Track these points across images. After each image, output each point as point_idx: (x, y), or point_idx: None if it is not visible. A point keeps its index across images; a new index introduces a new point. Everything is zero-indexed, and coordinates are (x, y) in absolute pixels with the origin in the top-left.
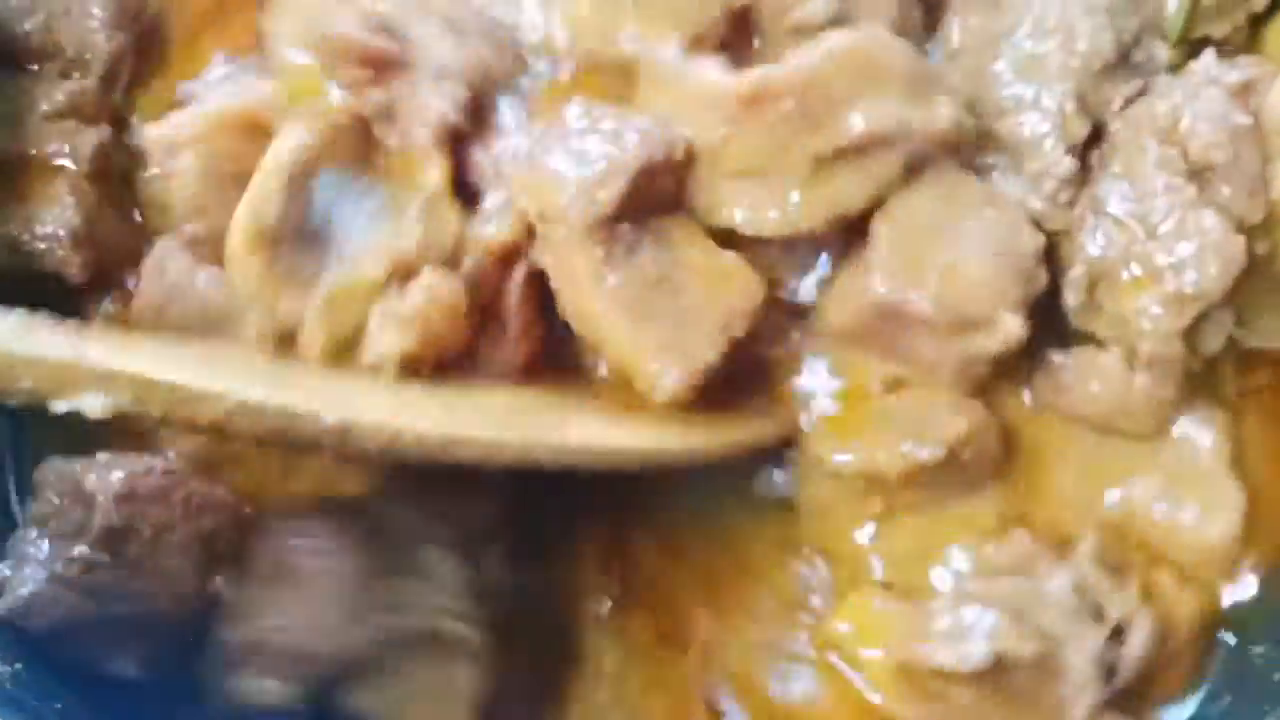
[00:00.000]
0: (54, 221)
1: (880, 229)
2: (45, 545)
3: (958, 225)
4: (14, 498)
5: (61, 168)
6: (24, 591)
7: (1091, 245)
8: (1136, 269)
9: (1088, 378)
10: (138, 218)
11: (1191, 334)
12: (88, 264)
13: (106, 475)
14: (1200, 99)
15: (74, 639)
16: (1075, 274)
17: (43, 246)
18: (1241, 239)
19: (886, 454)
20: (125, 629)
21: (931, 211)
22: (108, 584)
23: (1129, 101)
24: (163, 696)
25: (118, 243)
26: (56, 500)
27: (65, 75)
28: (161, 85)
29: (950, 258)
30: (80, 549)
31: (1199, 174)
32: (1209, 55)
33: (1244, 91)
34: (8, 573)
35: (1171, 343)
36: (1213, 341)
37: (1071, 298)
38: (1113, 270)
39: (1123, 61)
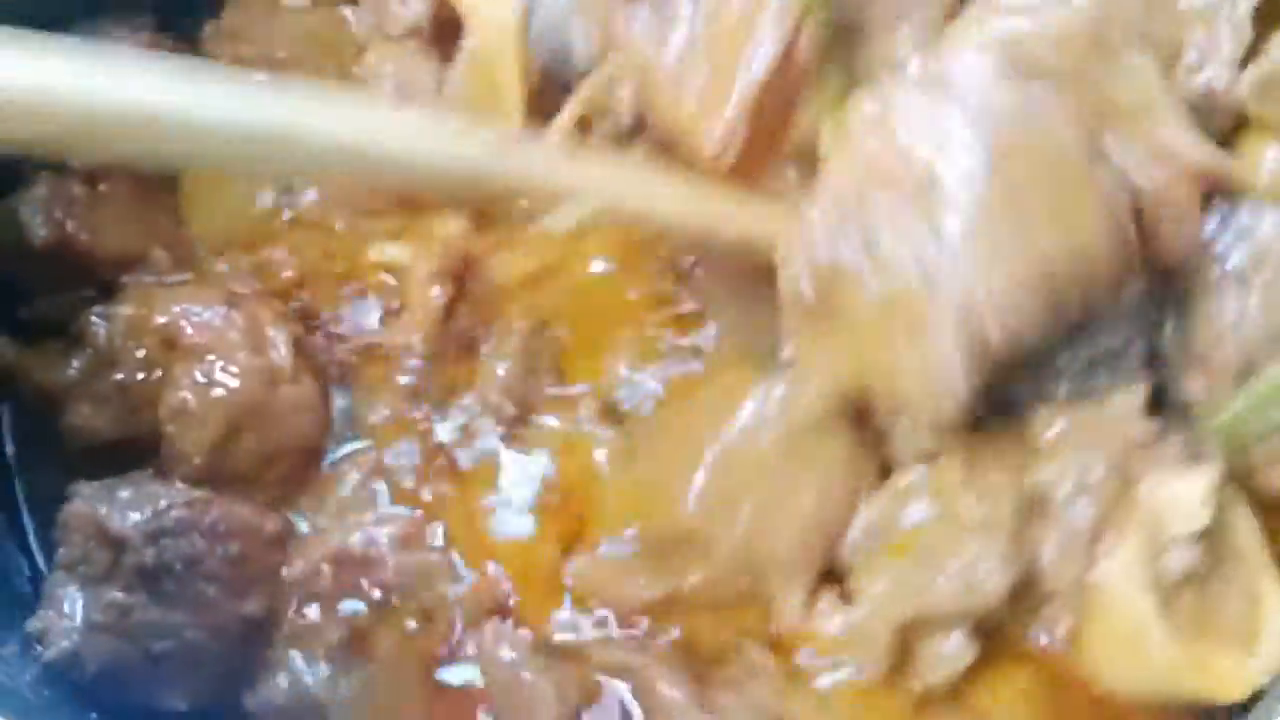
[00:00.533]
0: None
1: None
2: (78, 592)
3: None
4: (30, 534)
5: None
6: (65, 645)
7: None
8: None
9: None
10: None
11: None
12: (52, 233)
13: (130, 515)
14: None
15: (120, 682)
16: None
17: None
18: None
19: None
20: (170, 665)
21: None
22: (146, 624)
23: None
24: None
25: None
26: (82, 543)
27: None
28: None
29: None
30: (114, 594)
31: None
32: None
33: None
34: (45, 625)
35: None
36: None
37: None
38: None
39: None
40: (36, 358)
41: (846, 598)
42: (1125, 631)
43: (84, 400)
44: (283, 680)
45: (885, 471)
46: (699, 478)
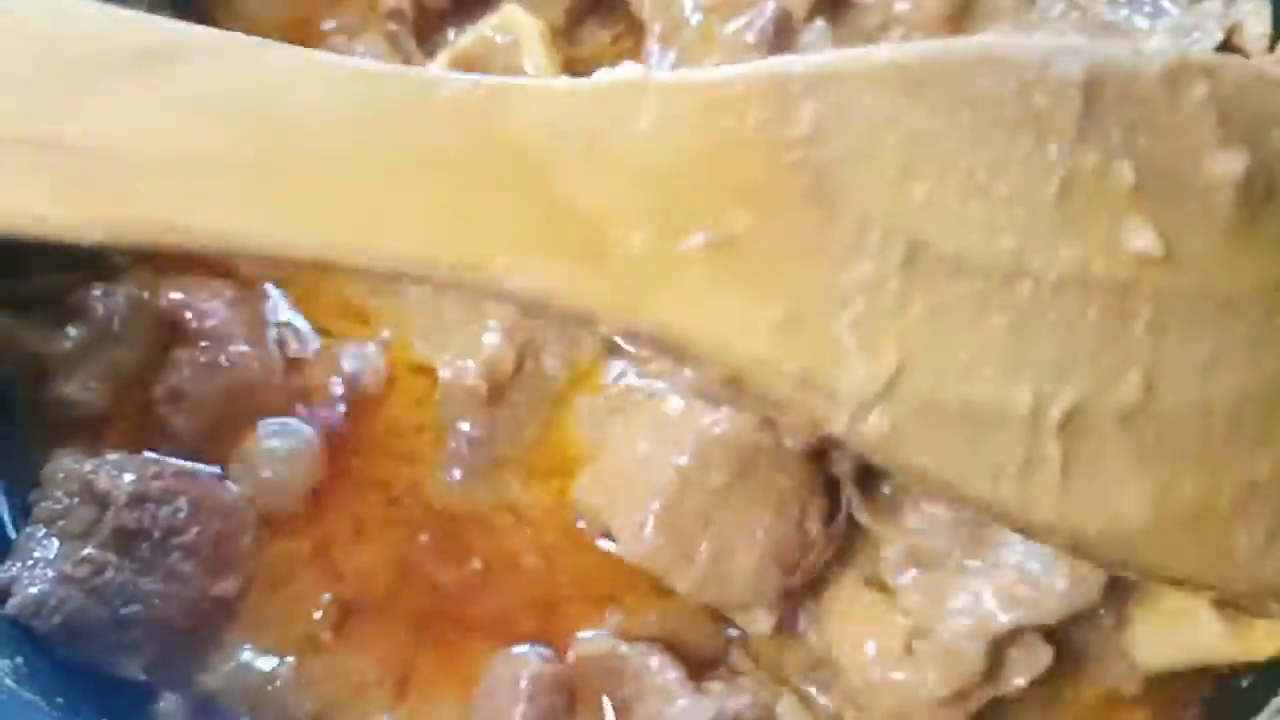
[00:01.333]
0: None
1: None
2: (54, 544)
3: None
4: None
5: None
6: (33, 591)
7: None
8: None
9: None
10: None
11: None
12: None
13: (119, 476)
14: None
15: (81, 639)
16: None
17: None
18: None
19: None
20: (133, 631)
21: None
22: (116, 585)
23: None
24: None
25: None
26: (65, 499)
27: None
28: None
29: None
30: (90, 549)
31: None
32: None
33: None
34: (15, 572)
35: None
36: None
37: None
38: None
39: None
40: (32, 326)
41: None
42: (1173, 609)
43: (76, 373)
44: (243, 663)
45: (831, 489)
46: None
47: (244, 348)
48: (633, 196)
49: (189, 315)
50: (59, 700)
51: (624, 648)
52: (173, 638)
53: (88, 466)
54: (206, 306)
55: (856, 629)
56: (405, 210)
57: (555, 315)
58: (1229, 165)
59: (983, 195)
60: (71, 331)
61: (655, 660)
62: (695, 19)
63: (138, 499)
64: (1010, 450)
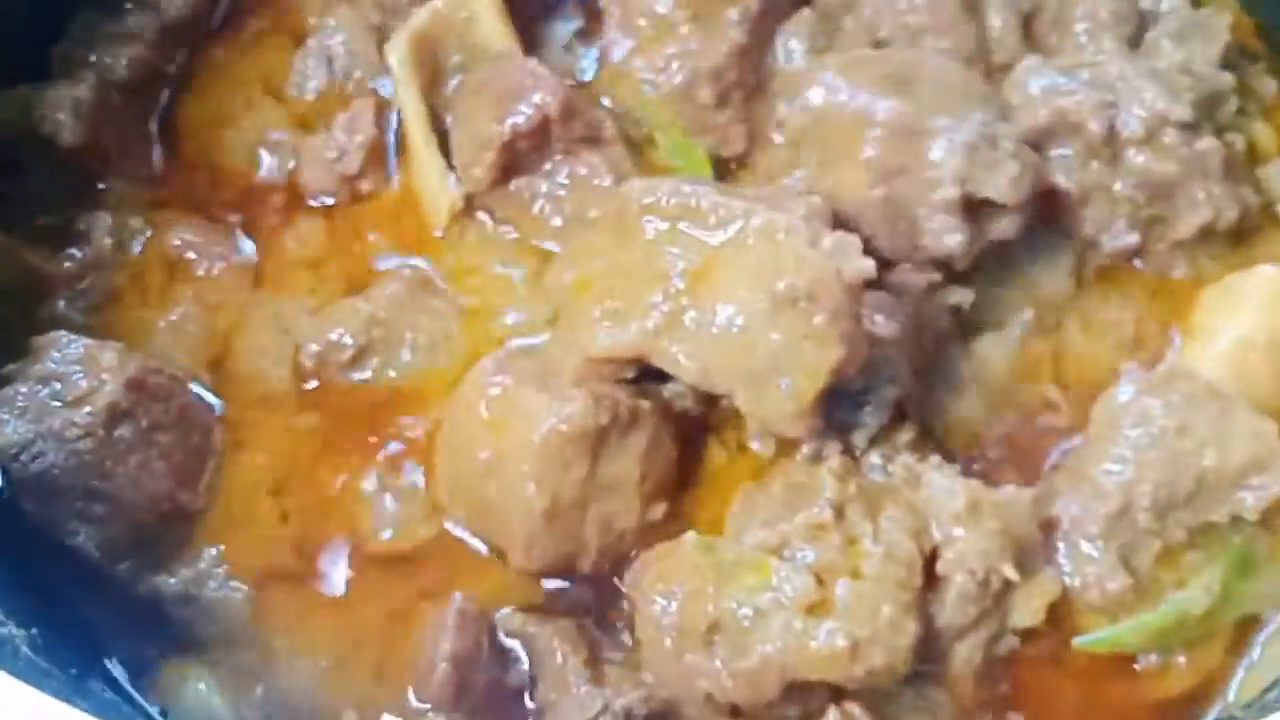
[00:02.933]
0: (66, 91)
1: None
2: (48, 402)
3: None
4: None
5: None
6: (15, 435)
7: None
8: None
9: None
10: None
11: None
12: (78, 135)
13: (125, 358)
14: None
15: (49, 496)
16: None
17: (47, 112)
18: None
19: None
20: (97, 506)
21: None
22: (94, 457)
23: None
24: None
25: (122, 141)
26: (62, 366)
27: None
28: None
29: None
30: (81, 415)
31: None
32: None
33: None
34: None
35: None
36: None
37: None
38: None
39: None
40: (29, 243)
41: None
42: None
43: (73, 295)
44: (187, 577)
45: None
46: None
47: (247, 294)
48: None
49: (193, 256)
50: (72, 671)
51: (532, 627)
52: (130, 527)
53: (91, 341)
54: (213, 249)
55: None
56: None
57: None
58: None
59: None
60: (74, 254)
61: (558, 645)
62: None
63: (136, 384)
64: None
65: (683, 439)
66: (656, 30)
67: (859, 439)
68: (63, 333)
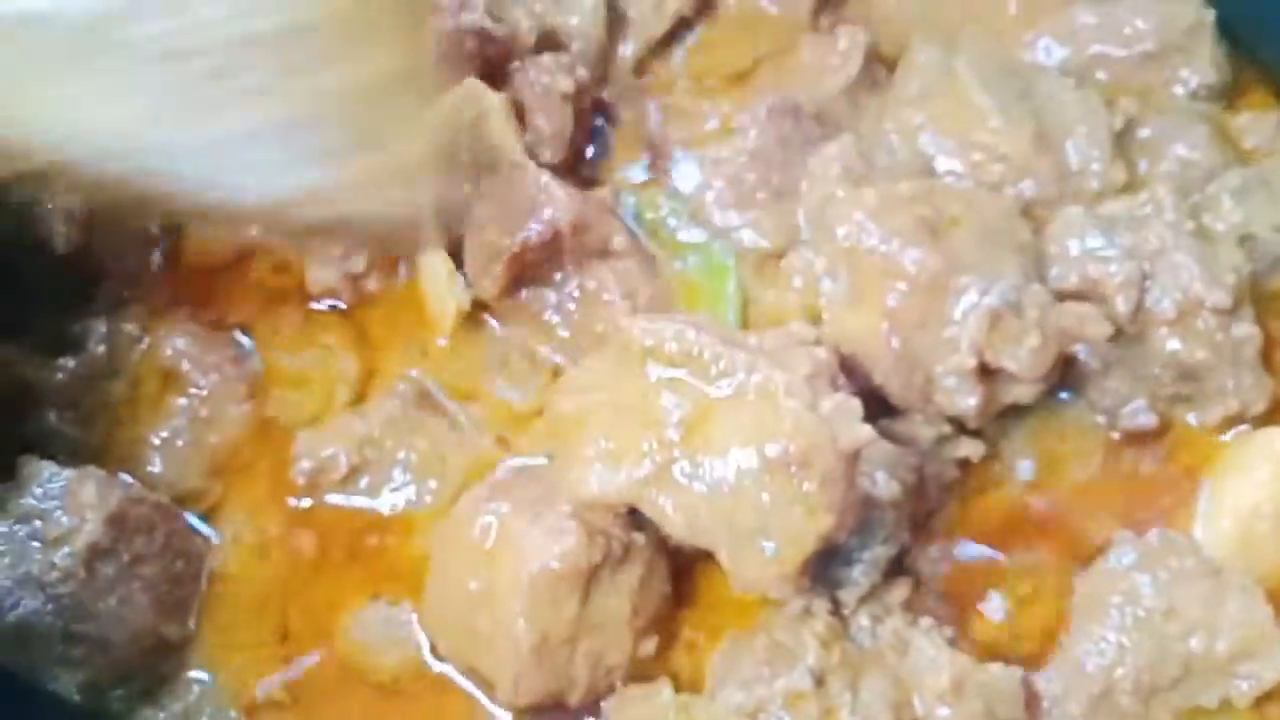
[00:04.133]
0: (62, 199)
1: None
2: (28, 543)
3: None
4: None
5: None
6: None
7: None
8: None
9: None
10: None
11: None
12: (73, 242)
13: (106, 492)
14: None
15: (27, 644)
16: None
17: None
18: None
19: None
20: (78, 648)
21: None
22: (75, 598)
23: None
24: None
25: (118, 246)
26: (43, 503)
27: None
28: None
29: None
30: (61, 556)
31: None
32: None
33: None
34: None
35: None
36: None
37: None
38: None
39: None
40: (23, 354)
41: None
42: None
43: (64, 406)
44: (176, 712)
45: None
46: None
47: (243, 406)
48: None
49: (189, 366)
50: None
51: None
52: (113, 666)
53: (72, 473)
54: (210, 359)
55: None
56: None
57: None
58: None
59: None
60: (67, 363)
61: None
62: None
63: (118, 519)
64: None
65: (678, 569)
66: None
67: (848, 598)
68: (45, 464)
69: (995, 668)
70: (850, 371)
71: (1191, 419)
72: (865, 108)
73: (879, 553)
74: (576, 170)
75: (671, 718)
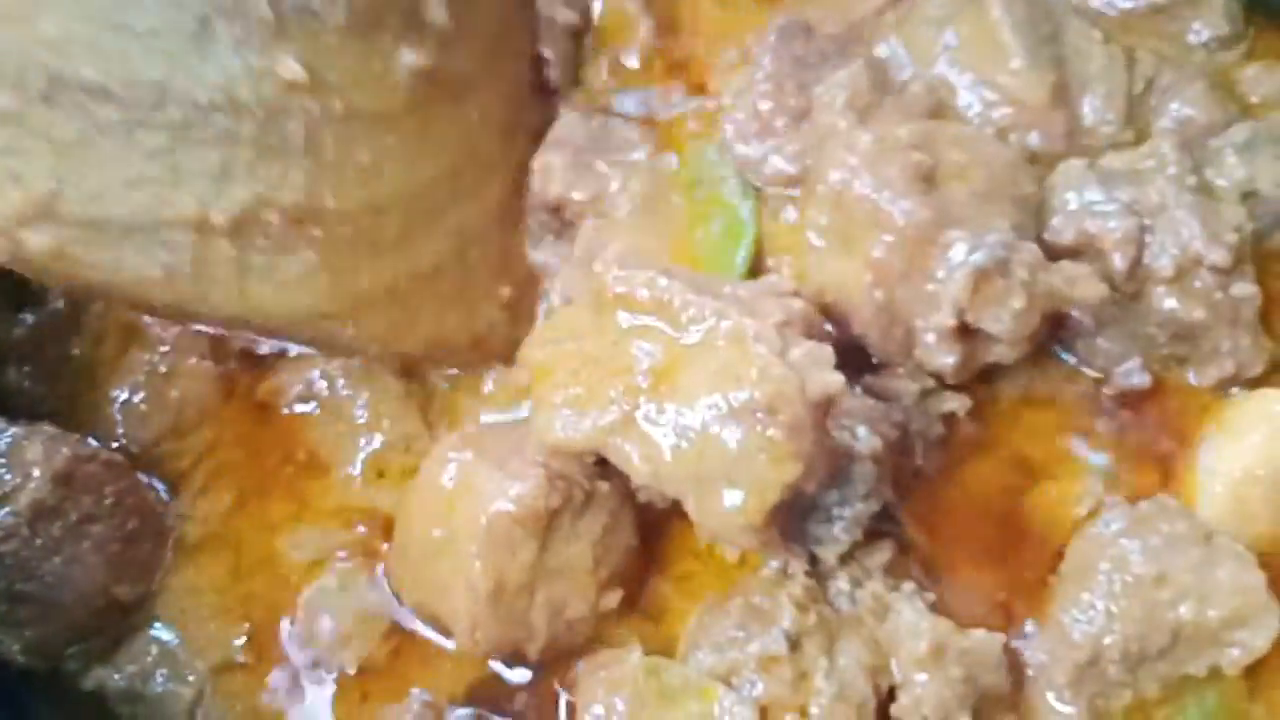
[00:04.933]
0: None
1: None
2: None
3: None
4: None
5: None
6: None
7: None
8: None
9: None
10: None
11: None
12: None
13: (52, 449)
14: None
15: None
16: None
17: None
18: None
19: None
20: (23, 609)
21: None
22: (19, 558)
23: None
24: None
25: None
26: None
27: None
28: None
29: None
30: (3, 514)
31: None
32: None
33: None
34: None
35: None
36: None
37: None
38: None
39: None
40: None
41: None
42: None
43: (26, 361)
44: (132, 672)
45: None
46: None
47: (204, 361)
48: None
49: (150, 319)
50: None
51: None
52: (61, 627)
53: (21, 430)
54: None
55: None
56: None
57: None
58: None
59: (121, 29)
60: (27, 318)
61: None
62: None
63: (64, 477)
64: (181, 254)
65: (648, 526)
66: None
67: (827, 555)
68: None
69: (978, 634)
70: (834, 321)
71: (1190, 378)
72: (890, 27)
73: (859, 509)
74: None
75: (641, 680)
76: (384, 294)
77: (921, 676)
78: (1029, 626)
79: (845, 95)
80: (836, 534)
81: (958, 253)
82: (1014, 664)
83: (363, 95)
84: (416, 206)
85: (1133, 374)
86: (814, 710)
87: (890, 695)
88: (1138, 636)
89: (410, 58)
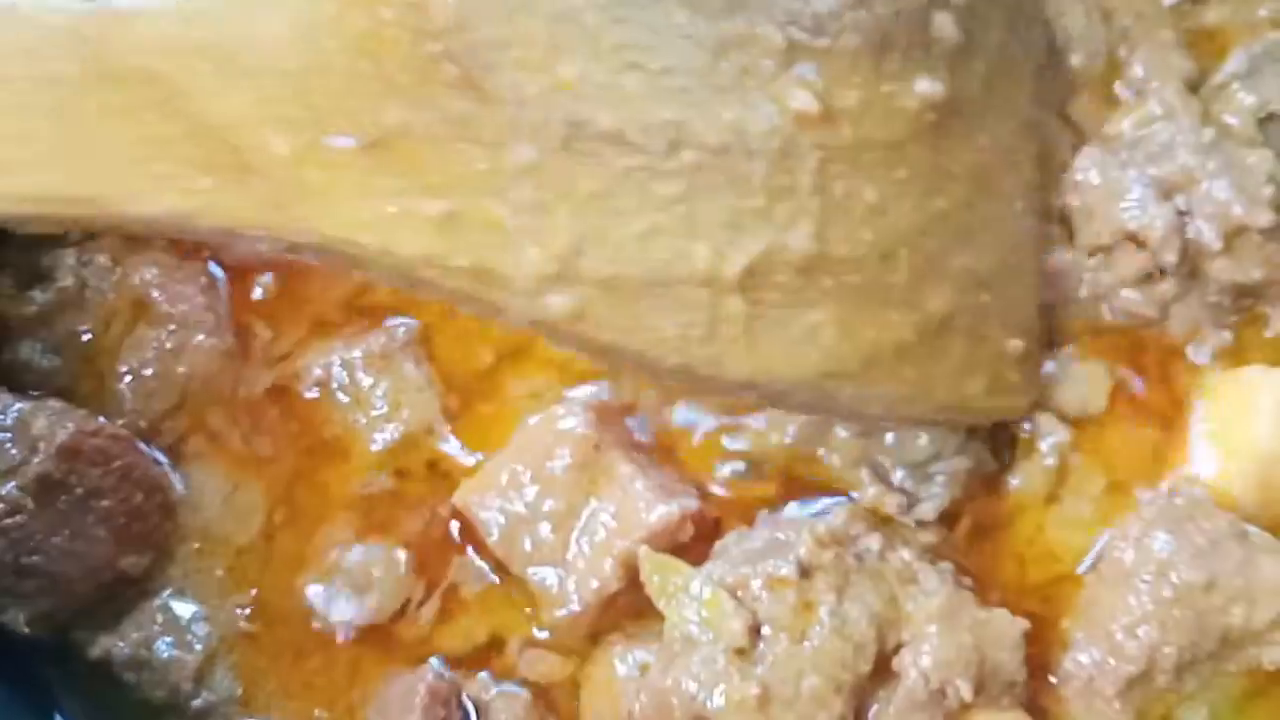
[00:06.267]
0: None
1: None
2: None
3: None
4: None
5: None
6: None
7: None
8: None
9: None
10: None
11: None
12: None
13: (58, 423)
14: None
15: None
16: None
17: None
18: None
19: None
20: (29, 582)
21: None
22: (25, 531)
23: None
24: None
25: None
26: None
27: None
28: None
29: None
30: (9, 488)
31: None
32: None
33: None
34: None
35: None
36: None
37: None
38: None
39: None
40: None
41: None
42: None
43: (37, 338)
44: (137, 640)
45: None
46: None
47: (211, 339)
48: (271, 104)
49: (159, 295)
50: None
51: (488, 694)
52: (68, 600)
53: (28, 405)
54: (179, 290)
55: None
56: (17, 145)
57: (208, 236)
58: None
59: (635, 69)
60: (38, 295)
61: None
62: None
63: (69, 451)
64: (695, 312)
65: None
66: None
67: (926, 511)
68: (2, 393)
69: (1001, 613)
70: None
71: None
72: None
73: (956, 464)
74: None
75: (654, 577)
76: (892, 350)
77: (931, 629)
78: (1079, 634)
79: None
80: (935, 490)
81: None
82: (1040, 664)
83: (873, 124)
84: (923, 249)
85: (1209, 339)
86: (809, 636)
87: (895, 650)
88: (1190, 645)
89: (923, 82)
